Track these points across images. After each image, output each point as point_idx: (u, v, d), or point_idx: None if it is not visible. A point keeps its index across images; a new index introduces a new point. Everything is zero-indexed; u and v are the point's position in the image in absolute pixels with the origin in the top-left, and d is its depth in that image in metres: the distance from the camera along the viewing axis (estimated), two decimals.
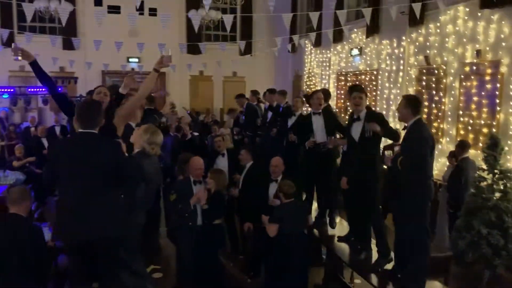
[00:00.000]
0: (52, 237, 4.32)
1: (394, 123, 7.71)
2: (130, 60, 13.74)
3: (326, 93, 5.97)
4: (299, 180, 5.08)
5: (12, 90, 11.86)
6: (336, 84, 11.47)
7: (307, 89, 11.69)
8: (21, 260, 3.25)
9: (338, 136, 5.43)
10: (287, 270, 4.38)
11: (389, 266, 4.35)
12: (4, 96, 11.74)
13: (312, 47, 12.10)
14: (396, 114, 4.63)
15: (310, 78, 11.60)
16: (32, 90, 12.23)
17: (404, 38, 8.79)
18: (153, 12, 13.20)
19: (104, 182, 3.07)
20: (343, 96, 11.02)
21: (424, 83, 8.41)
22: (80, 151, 3.08)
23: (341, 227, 5.56)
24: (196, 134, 8.42)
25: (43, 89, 12.32)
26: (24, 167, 8.17)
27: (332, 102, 10.45)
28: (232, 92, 15.35)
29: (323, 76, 11.82)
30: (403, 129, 4.00)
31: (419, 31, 8.40)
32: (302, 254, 4.46)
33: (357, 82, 10.13)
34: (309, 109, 5.82)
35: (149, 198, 3.83)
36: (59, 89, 12.00)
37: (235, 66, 14.51)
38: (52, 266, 4.27)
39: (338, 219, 5.75)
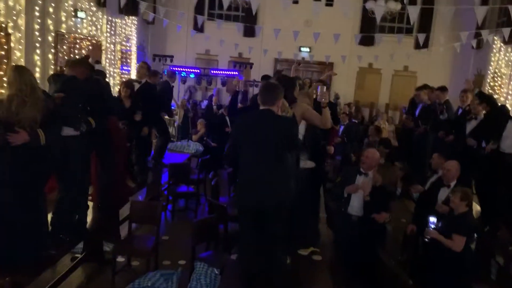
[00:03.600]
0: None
1: None
2: (302, 49, 14.15)
3: None
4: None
5: (198, 71, 13.31)
6: None
7: (490, 91, 10.55)
8: None
9: None
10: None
11: None
12: (191, 76, 13.24)
13: (502, 44, 10.82)
14: None
15: (496, 79, 10.41)
16: (214, 72, 13.56)
17: None
18: (329, 2, 13.33)
19: (276, 155, 3.36)
20: None
21: None
22: (257, 126, 3.42)
23: None
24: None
25: (223, 72, 13.58)
26: (202, 140, 9.18)
27: None
28: (401, 87, 14.78)
29: None
30: None
31: None
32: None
33: None
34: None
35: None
36: (235, 72, 13.13)
37: (407, 60, 13.85)
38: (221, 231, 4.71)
39: None
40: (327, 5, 13.05)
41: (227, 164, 6.10)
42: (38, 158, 3.52)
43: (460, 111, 7.05)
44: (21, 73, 3.42)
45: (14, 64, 3.76)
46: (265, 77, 6.56)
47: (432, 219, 4.24)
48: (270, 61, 14.33)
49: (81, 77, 4.27)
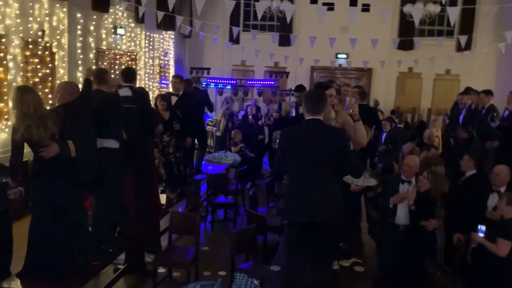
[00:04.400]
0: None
1: None
2: (339, 56, 13.98)
3: None
4: None
5: (234, 82, 13.41)
6: None
7: None
8: None
9: None
10: None
11: None
12: (227, 87, 13.36)
13: None
14: None
15: None
16: (250, 82, 13.62)
17: None
18: (365, 7, 13.12)
19: (327, 168, 3.25)
20: None
21: None
22: (308, 137, 3.33)
23: None
24: None
25: (259, 82, 13.62)
26: (240, 150, 9.19)
27: None
28: (443, 91, 14.29)
29: None
30: None
31: None
32: None
33: None
34: None
35: None
36: (272, 82, 13.15)
37: (449, 63, 13.40)
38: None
39: None
40: (363, 10, 12.82)
41: (273, 176, 6.03)
42: (72, 170, 3.60)
43: (507, 112, 6.76)
44: (23, 94, 3.48)
45: (17, 86, 3.86)
46: (299, 87, 6.50)
47: (482, 227, 4.05)
48: (307, 70, 14.24)
49: (111, 90, 4.50)
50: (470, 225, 4.30)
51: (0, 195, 4.40)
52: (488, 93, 7.49)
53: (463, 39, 10.04)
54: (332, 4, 13.00)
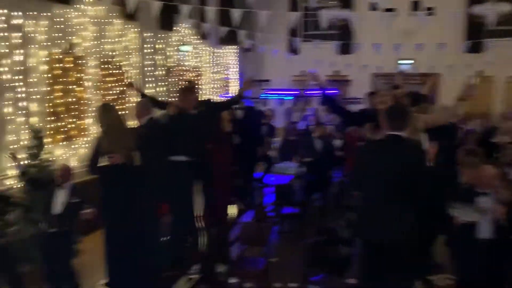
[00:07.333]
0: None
1: None
2: (403, 62, 13.56)
3: None
4: None
5: (295, 92, 13.42)
6: None
7: None
8: None
9: None
10: None
11: None
12: (288, 98, 13.37)
13: None
14: None
15: None
16: (310, 92, 13.54)
17: None
18: (429, 11, 12.68)
19: (405, 186, 3.15)
20: None
21: None
22: (387, 153, 3.23)
23: None
24: None
25: (319, 92, 13.50)
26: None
27: None
28: None
29: None
30: None
31: None
32: None
33: None
34: None
35: None
36: (334, 91, 12.99)
37: None
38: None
39: None
40: (428, 14, 12.41)
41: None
42: (136, 179, 3.76)
43: None
44: (107, 111, 3.80)
45: (101, 103, 4.18)
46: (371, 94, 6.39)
47: None
48: (369, 77, 13.95)
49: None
50: None
51: (69, 215, 4.33)
52: None
53: None
54: (393, 9, 12.70)
